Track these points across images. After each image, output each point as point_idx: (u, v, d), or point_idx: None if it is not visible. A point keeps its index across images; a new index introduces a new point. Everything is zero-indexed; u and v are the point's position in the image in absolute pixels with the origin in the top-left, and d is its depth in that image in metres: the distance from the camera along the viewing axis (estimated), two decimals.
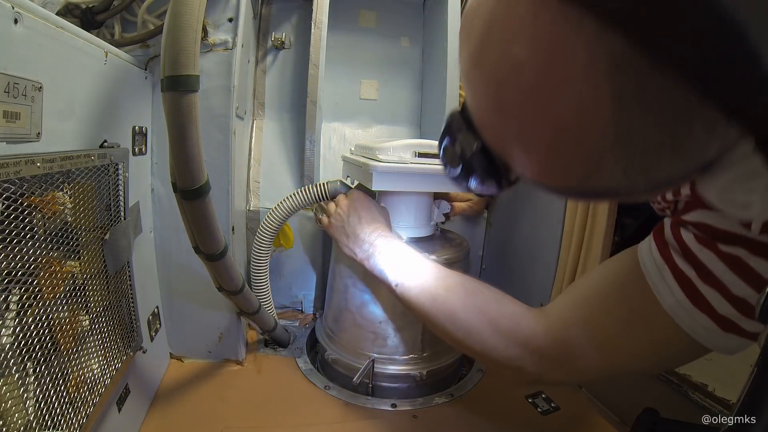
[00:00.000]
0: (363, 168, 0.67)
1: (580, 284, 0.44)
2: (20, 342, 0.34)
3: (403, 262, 0.59)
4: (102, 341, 0.48)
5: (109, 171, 0.50)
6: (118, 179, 0.52)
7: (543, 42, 0.19)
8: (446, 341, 0.53)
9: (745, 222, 0.29)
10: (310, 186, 0.78)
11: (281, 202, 0.79)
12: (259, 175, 0.99)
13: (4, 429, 0.31)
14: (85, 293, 0.44)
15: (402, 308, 0.70)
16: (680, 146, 0.20)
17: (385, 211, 0.70)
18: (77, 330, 0.43)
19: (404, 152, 0.69)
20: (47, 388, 0.37)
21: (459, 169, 0.33)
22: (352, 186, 0.79)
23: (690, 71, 0.17)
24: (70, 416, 0.40)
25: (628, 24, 0.17)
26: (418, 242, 0.76)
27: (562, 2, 0.18)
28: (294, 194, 0.79)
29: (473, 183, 0.33)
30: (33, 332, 0.35)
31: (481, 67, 0.23)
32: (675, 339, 0.35)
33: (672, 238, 0.36)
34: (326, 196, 0.77)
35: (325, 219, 0.72)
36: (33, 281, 0.36)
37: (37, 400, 0.36)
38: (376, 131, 1.13)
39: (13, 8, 0.34)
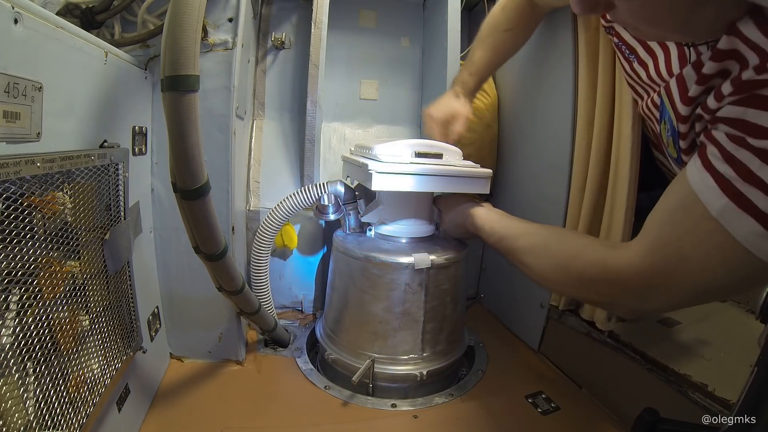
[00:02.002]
0: (363, 168, 0.67)
1: (651, 215, 0.46)
2: (20, 342, 0.34)
3: (501, 221, 0.65)
4: (102, 341, 0.48)
5: (109, 171, 0.50)
6: (118, 179, 0.52)
7: None
8: (549, 287, 0.61)
9: None
10: (310, 186, 0.78)
11: (281, 202, 0.79)
12: (259, 175, 0.99)
13: (4, 429, 0.31)
14: (85, 293, 0.44)
15: (402, 308, 0.70)
16: None
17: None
18: (77, 330, 0.43)
19: (404, 152, 0.69)
20: (47, 388, 0.37)
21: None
22: (353, 186, 0.79)
23: None
24: (70, 416, 0.40)
25: None
26: (418, 242, 0.76)
27: None
28: (294, 194, 0.79)
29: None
30: (33, 332, 0.35)
31: None
32: (733, 251, 0.36)
33: (711, 144, 0.37)
34: (326, 196, 0.77)
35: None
36: (33, 281, 0.36)
37: (37, 400, 0.36)
38: (376, 131, 1.13)
39: (13, 8, 0.34)
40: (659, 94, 0.49)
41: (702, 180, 0.38)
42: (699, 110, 0.40)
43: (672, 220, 0.41)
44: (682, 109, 0.42)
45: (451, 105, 0.79)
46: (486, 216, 0.67)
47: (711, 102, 0.38)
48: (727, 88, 0.35)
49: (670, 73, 0.46)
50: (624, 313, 0.50)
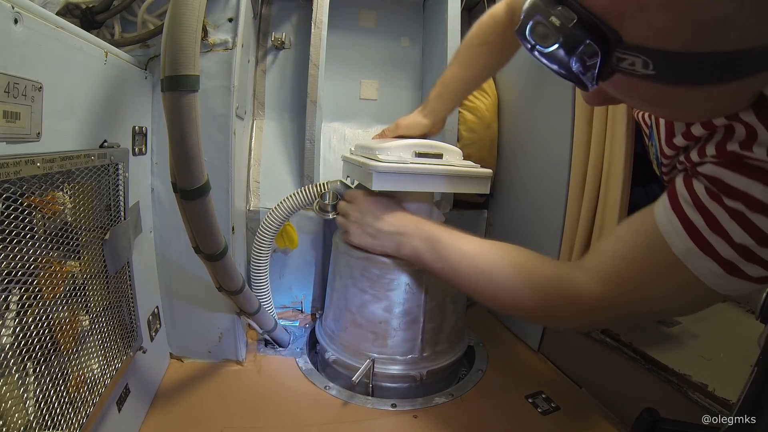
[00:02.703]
0: (363, 168, 0.67)
1: (609, 239, 0.48)
2: (20, 342, 0.34)
3: (436, 244, 0.60)
4: (102, 341, 0.48)
5: (109, 171, 0.50)
6: (118, 179, 0.52)
7: None
8: (497, 311, 0.58)
9: None
10: (310, 186, 0.78)
11: (281, 202, 0.79)
12: (259, 175, 0.99)
13: (4, 429, 0.31)
14: (85, 293, 0.44)
15: (402, 308, 0.70)
16: None
17: (389, 197, 0.70)
18: (77, 330, 0.43)
19: (404, 152, 0.69)
20: (47, 388, 0.37)
21: (554, 47, 0.30)
22: (353, 186, 0.79)
23: None
24: (70, 416, 0.40)
25: None
26: None
27: None
28: (294, 194, 0.79)
29: (574, 62, 0.30)
30: (33, 332, 0.35)
31: None
32: (690, 285, 0.38)
33: (684, 190, 0.39)
34: (326, 196, 0.77)
35: (343, 234, 0.73)
36: (33, 281, 0.36)
37: (37, 400, 0.36)
38: (376, 131, 1.13)
39: (13, 8, 0.34)
40: (650, 117, 0.49)
41: (669, 221, 0.39)
42: (681, 156, 0.42)
43: (633, 254, 0.43)
44: (666, 150, 0.44)
45: (420, 121, 0.79)
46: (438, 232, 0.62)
47: (694, 155, 0.39)
48: (711, 150, 0.37)
49: None
50: (571, 328, 0.53)
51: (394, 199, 0.70)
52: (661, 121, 0.45)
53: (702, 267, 0.37)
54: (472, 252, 0.57)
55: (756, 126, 0.33)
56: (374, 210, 0.68)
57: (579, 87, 0.33)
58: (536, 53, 0.31)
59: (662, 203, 0.41)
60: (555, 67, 0.31)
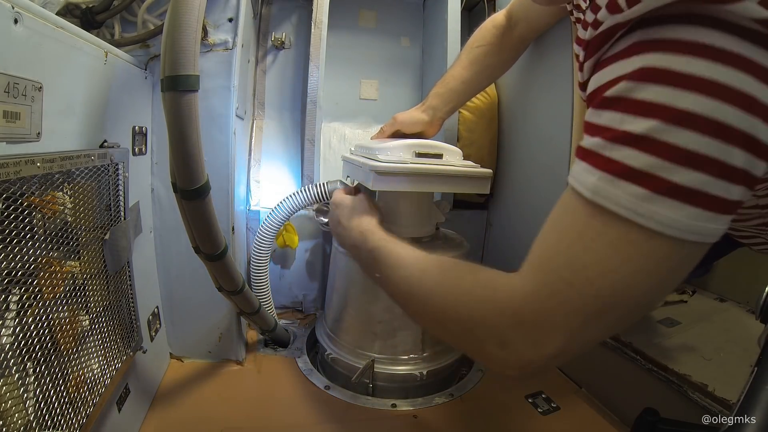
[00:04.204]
0: (363, 168, 0.67)
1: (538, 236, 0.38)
2: (20, 342, 0.34)
3: (383, 252, 0.53)
4: (102, 341, 0.48)
5: (109, 171, 0.50)
6: (118, 179, 0.52)
7: None
8: (428, 329, 0.49)
9: None
10: (310, 186, 0.78)
11: (281, 202, 0.79)
12: (259, 175, 0.99)
13: (4, 429, 0.31)
14: (85, 293, 0.44)
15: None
16: None
17: (367, 202, 0.66)
18: (77, 330, 0.43)
19: (404, 152, 0.69)
20: (47, 388, 0.37)
21: None
22: (353, 186, 0.79)
23: None
24: (70, 416, 0.40)
25: None
26: (418, 242, 0.76)
27: None
28: (294, 194, 0.79)
29: None
30: (33, 332, 0.35)
31: None
32: (624, 237, 0.29)
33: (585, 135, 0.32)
34: (326, 196, 0.77)
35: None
36: (33, 281, 0.36)
37: (37, 400, 0.36)
38: (376, 131, 1.13)
39: (13, 8, 0.34)
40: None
41: (575, 170, 0.32)
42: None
43: (556, 228, 0.34)
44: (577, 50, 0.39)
45: (418, 117, 0.78)
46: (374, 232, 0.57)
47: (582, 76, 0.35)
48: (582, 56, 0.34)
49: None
50: (517, 370, 0.35)
51: (366, 203, 0.65)
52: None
53: (620, 195, 0.28)
54: (406, 258, 0.49)
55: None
56: (342, 209, 0.64)
57: None
58: None
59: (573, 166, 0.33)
60: None
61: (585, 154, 0.31)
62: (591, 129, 0.31)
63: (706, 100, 0.26)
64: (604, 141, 0.29)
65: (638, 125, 0.27)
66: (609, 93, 0.29)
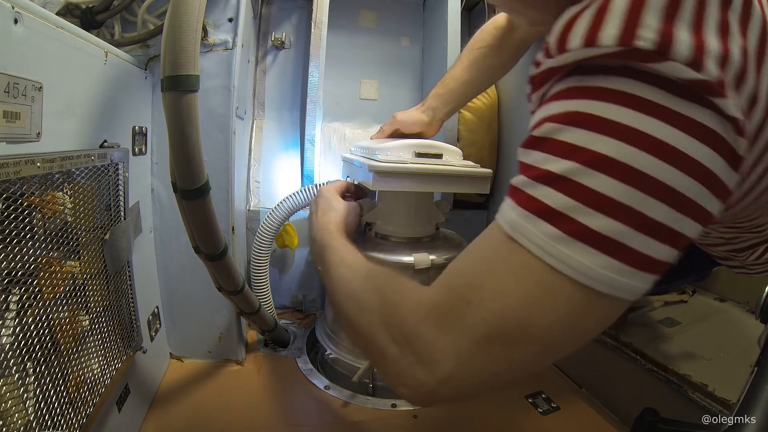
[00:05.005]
0: (363, 168, 0.67)
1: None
2: (20, 342, 0.34)
3: (325, 249, 0.52)
4: (102, 341, 0.48)
5: (109, 171, 0.50)
6: (118, 179, 0.52)
7: None
8: (345, 330, 0.46)
9: None
10: (310, 186, 0.78)
11: (281, 202, 0.79)
12: (259, 175, 0.99)
13: (4, 429, 0.31)
14: (85, 293, 0.44)
15: None
16: None
17: (343, 204, 0.64)
18: (77, 330, 0.43)
19: (404, 152, 0.69)
20: (47, 388, 0.37)
21: None
22: (352, 183, 0.79)
23: None
24: (70, 416, 0.40)
25: None
26: (418, 242, 0.76)
27: None
28: (294, 194, 0.79)
29: None
30: (33, 332, 0.35)
31: None
32: (528, 268, 0.28)
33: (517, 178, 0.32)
34: None
35: None
36: (33, 281, 0.36)
37: (37, 400, 0.36)
38: (376, 131, 1.13)
39: (13, 8, 0.34)
40: None
41: (502, 206, 0.31)
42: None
43: (470, 251, 0.34)
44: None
45: (417, 117, 0.78)
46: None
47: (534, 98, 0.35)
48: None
49: None
50: (411, 383, 0.33)
51: (342, 204, 0.64)
52: None
53: (534, 234, 0.27)
54: (346, 259, 0.48)
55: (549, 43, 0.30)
56: (318, 205, 0.64)
57: None
58: None
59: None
60: None
61: (511, 191, 0.31)
62: (520, 167, 0.31)
63: (625, 146, 0.25)
64: (527, 179, 0.29)
65: (558, 165, 0.27)
66: (536, 132, 0.30)
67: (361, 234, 0.80)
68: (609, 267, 0.26)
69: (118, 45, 0.59)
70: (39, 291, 0.36)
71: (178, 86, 0.41)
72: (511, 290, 0.28)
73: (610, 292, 0.26)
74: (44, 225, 0.38)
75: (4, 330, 0.32)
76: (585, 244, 0.26)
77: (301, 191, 0.78)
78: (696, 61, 0.24)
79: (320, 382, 0.75)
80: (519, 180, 0.30)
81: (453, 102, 0.79)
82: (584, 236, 0.26)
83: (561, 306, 0.27)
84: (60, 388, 0.39)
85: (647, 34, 0.25)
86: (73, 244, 0.42)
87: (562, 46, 0.28)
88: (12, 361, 0.33)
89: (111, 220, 0.51)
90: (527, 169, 0.30)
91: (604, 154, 0.26)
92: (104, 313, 0.49)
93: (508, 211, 0.30)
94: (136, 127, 0.61)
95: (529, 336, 0.29)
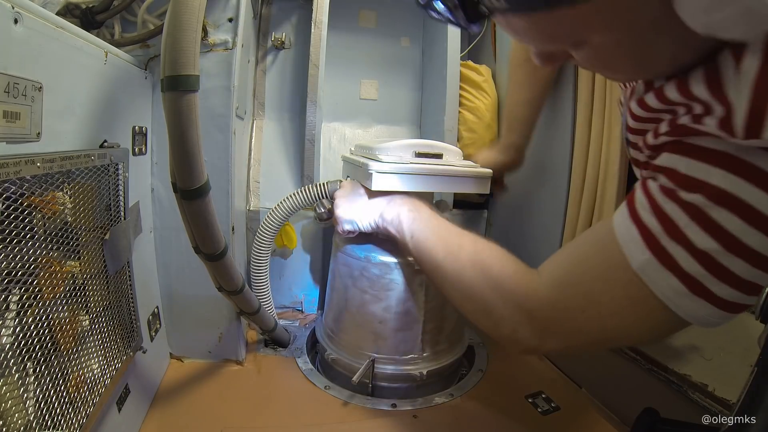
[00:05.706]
0: (363, 168, 0.67)
1: (569, 245, 0.44)
2: (20, 342, 0.34)
3: (417, 216, 0.61)
4: (102, 341, 0.48)
5: (109, 171, 0.50)
6: (118, 179, 0.52)
7: None
8: (451, 300, 0.54)
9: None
10: (310, 186, 0.78)
11: (281, 202, 0.79)
12: (259, 175, 0.99)
13: (4, 429, 0.31)
14: (85, 293, 0.44)
15: (401, 308, 0.70)
16: None
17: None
18: (77, 330, 0.43)
19: (404, 152, 0.69)
20: (47, 388, 0.37)
21: None
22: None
23: None
24: (70, 416, 0.40)
25: None
26: None
27: None
28: (294, 194, 0.79)
29: (441, 5, 0.31)
30: (33, 332, 0.35)
31: None
32: (646, 303, 0.34)
33: (641, 194, 0.36)
34: (326, 195, 0.76)
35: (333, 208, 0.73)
36: (33, 281, 0.36)
37: (37, 400, 0.36)
38: (376, 131, 1.13)
39: (13, 8, 0.34)
40: (624, 88, 0.47)
41: (627, 230, 0.36)
42: (640, 141, 0.39)
43: (587, 261, 0.40)
44: (630, 122, 0.41)
45: (498, 159, 0.81)
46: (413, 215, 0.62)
47: (650, 137, 0.37)
48: (664, 126, 0.35)
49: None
50: (520, 350, 0.46)
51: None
52: (628, 92, 0.42)
53: (662, 282, 0.33)
54: (445, 230, 0.56)
55: (710, 101, 0.30)
56: (359, 188, 0.70)
57: (468, 29, 0.34)
58: (422, 8, 0.33)
59: (621, 211, 0.38)
60: (436, 15, 0.33)
61: (639, 223, 0.35)
62: (653, 204, 0.34)
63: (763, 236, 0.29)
64: (663, 230, 0.33)
65: (701, 241, 0.31)
66: (686, 196, 0.32)
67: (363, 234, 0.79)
68: (713, 314, 0.33)
69: (118, 45, 0.59)
70: (39, 291, 0.36)
71: (178, 86, 0.41)
72: (626, 315, 0.36)
73: (684, 316, 0.34)
74: (44, 225, 0.38)
75: (4, 330, 0.32)
76: (701, 298, 0.32)
77: (301, 191, 0.78)
78: None
79: (320, 382, 0.75)
80: (652, 222, 0.34)
81: (525, 128, 0.81)
82: (709, 298, 0.32)
83: (660, 325, 0.36)
84: (60, 388, 0.39)
85: None
86: (73, 244, 0.42)
87: (756, 132, 0.27)
88: (12, 361, 0.33)
89: (111, 220, 0.51)
90: (665, 220, 0.33)
91: (749, 245, 0.30)
92: (104, 313, 0.49)
93: (635, 248, 0.35)
94: (136, 127, 0.61)
95: (623, 339, 0.43)
